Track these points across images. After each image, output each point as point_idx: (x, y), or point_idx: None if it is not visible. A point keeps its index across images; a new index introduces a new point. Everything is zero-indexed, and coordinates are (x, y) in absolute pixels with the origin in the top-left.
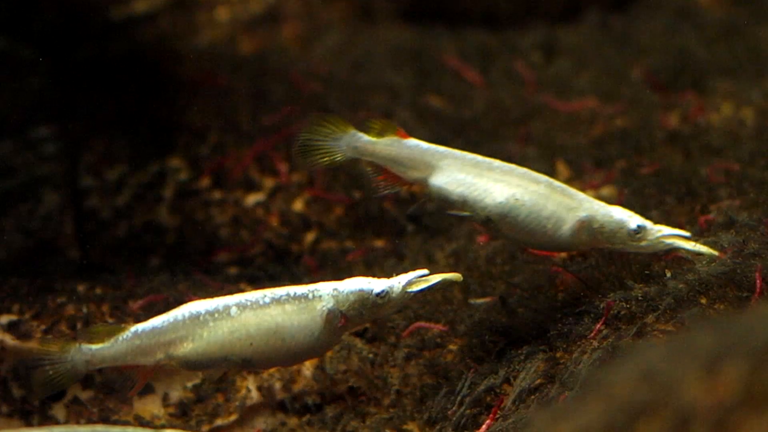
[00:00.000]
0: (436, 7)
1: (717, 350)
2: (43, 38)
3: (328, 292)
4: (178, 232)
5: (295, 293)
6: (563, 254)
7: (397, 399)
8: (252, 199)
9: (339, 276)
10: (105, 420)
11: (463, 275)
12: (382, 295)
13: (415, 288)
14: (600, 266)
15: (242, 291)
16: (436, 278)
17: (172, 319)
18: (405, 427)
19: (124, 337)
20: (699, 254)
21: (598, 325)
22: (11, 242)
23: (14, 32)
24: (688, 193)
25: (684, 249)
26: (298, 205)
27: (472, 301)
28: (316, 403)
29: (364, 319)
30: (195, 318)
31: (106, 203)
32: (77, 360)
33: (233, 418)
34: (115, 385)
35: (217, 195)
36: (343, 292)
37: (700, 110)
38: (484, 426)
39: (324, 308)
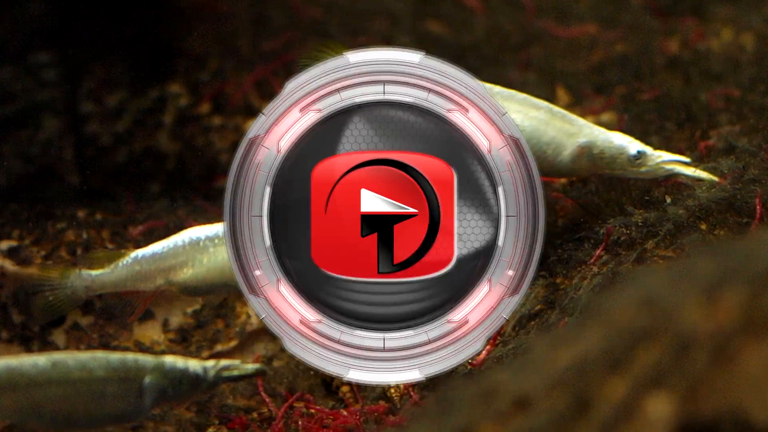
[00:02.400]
0: None
1: (717, 276)
2: None
3: None
4: (178, 157)
5: None
6: (563, 180)
7: None
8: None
9: None
10: (105, 345)
11: None
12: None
13: None
14: (600, 192)
15: None
16: None
17: (172, 245)
18: None
19: (124, 262)
20: (699, 180)
21: (598, 251)
22: (11, 168)
23: None
24: (688, 119)
25: (684, 175)
26: None
27: None
28: None
29: None
30: (195, 244)
31: (106, 129)
32: (77, 286)
33: (233, 343)
34: (115, 311)
35: (217, 121)
36: None
37: (700, 36)
38: (484, 351)
39: None
